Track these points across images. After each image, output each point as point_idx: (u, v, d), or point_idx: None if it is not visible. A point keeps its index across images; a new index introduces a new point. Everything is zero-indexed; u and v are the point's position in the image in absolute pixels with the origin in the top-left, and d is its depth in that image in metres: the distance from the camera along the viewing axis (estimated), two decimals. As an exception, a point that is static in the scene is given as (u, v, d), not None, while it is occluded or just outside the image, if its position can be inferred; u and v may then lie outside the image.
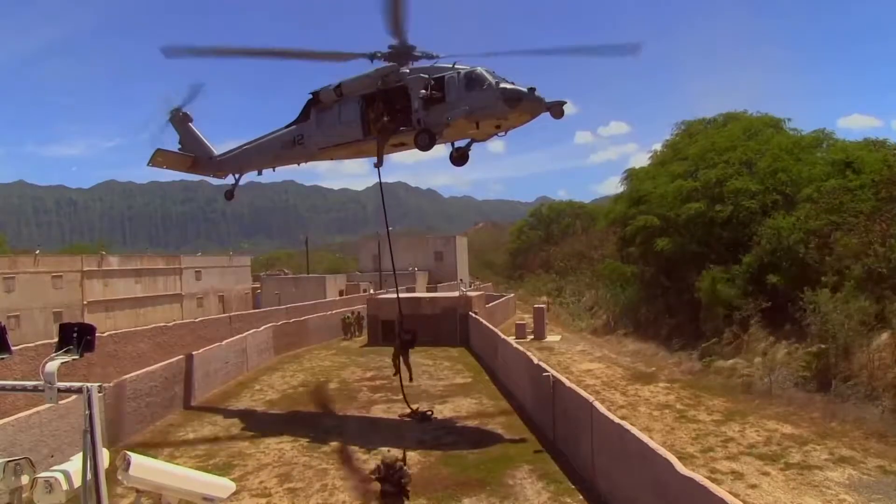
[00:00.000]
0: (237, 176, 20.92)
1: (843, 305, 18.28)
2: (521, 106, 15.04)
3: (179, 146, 21.25)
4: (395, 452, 10.54)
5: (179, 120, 21.13)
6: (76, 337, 4.37)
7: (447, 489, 12.42)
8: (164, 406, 18.80)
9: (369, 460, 14.39)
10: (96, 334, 4.49)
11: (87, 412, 4.09)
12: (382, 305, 33.79)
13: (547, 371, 15.52)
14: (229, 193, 21.33)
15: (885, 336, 17.23)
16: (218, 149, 21.37)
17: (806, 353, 19.10)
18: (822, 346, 18.22)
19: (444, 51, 16.43)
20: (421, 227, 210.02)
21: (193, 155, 21.10)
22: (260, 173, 20.78)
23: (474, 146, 17.67)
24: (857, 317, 17.87)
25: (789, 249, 22.52)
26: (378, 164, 17.45)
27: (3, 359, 4.50)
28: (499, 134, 16.59)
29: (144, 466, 4.77)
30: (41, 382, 4.16)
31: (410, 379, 18.87)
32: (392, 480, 9.92)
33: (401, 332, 18.78)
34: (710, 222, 26.95)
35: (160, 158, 20.44)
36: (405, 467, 10.18)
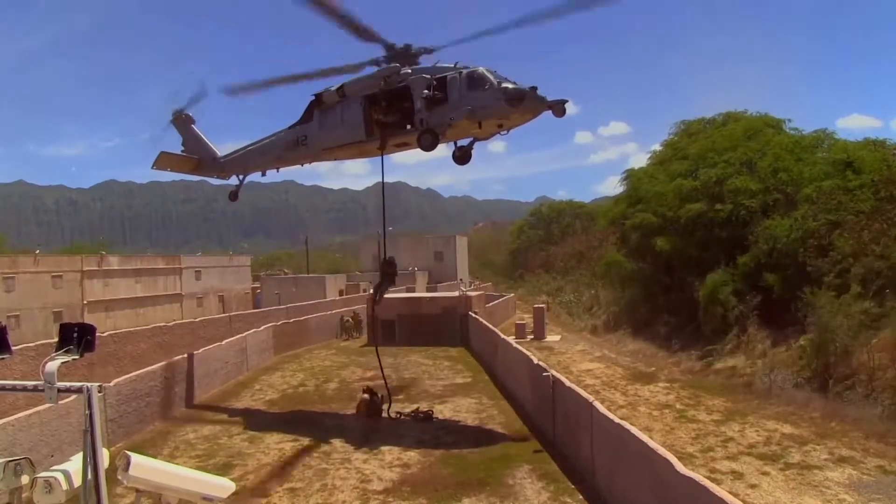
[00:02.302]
0: (241, 177, 20.93)
1: (843, 307, 18.23)
2: (523, 106, 15.08)
3: (182, 148, 21.26)
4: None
5: (182, 122, 21.11)
6: (76, 337, 4.37)
7: (447, 489, 12.42)
8: (164, 406, 18.82)
9: (369, 460, 14.43)
10: (96, 334, 4.49)
11: (87, 412, 4.09)
12: (382, 305, 33.66)
13: (547, 371, 15.52)
14: (233, 194, 21.36)
15: (884, 336, 17.21)
16: (220, 150, 21.41)
17: (801, 350, 19.05)
18: (821, 345, 18.17)
19: (433, 41, 16.56)
20: (421, 227, 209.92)
21: (197, 157, 21.09)
22: (264, 174, 20.81)
23: (474, 145, 17.71)
24: (856, 317, 17.86)
25: (786, 250, 22.50)
26: (381, 164, 17.60)
27: (3, 359, 4.50)
28: (501, 133, 16.63)
29: (144, 466, 4.77)
30: (41, 382, 4.16)
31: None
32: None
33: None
34: (710, 223, 26.93)
35: (164, 161, 20.42)
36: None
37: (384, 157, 17.94)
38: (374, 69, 16.79)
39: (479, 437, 16.15)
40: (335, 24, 15.15)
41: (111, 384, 16.22)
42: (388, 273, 18.00)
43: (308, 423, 17.79)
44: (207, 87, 21.24)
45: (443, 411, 18.76)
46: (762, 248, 23.67)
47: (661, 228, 29.75)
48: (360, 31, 15.64)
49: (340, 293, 54.23)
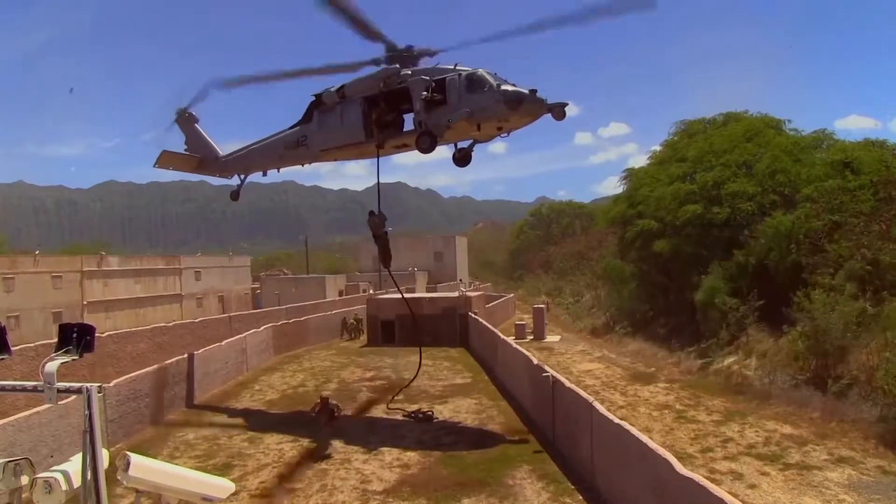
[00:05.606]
0: (242, 177, 20.96)
1: (838, 308, 18.20)
2: (522, 108, 15.01)
3: (185, 147, 21.29)
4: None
5: (185, 121, 21.15)
6: (76, 337, 4.37)
7: (447, 489, 12.43)
8: (163, 406, 18.81)
9: (369, 460, 14.43)
10: (96, 334, 4.49)
11: (86, 412, 4.09)
12: (382, 306, 33.81)
13: (547, 371, 15.53)
14: (234, 194, 21.39)
15: (880, 336, 17.20)
16: (223, 149, 21.42)
17: (797, 352, 19.03)
18: (816, 345, 18.15)
19: (441, 44, 16.53)
20: (421, 227, 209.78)
21: (199, 156, 21.13)
22: (265, 174, 20.82)
23: (475, 147, 17.68)
24: (852, 318, 17.84)
25: (788, 249, 22.49)
26: (377, 164, 17.57)
27: (3, 359, 4.51)
28: (501, 135, 16.59)
29: (144, 466, 4.78)
30: (41, 383, 4.16)
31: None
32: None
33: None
34: (708, 224, 26.93)
35: (166, 159, 20.46)
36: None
37: (383, 159, 17.91)
38: (375, 69, 16.77)
39: (479, 437, 16.15)
40: (343, 22, 15.07)
41: (111, 384, 16.24)
42: None
43: (308, 424, 17.76)
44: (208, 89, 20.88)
45: (442, 412, 18.76)
46: (765, 246, 23.64)
47: (660, 232, 29.77)
48: (366, 29, 15.61)
49: (340, 293, 54.25)
